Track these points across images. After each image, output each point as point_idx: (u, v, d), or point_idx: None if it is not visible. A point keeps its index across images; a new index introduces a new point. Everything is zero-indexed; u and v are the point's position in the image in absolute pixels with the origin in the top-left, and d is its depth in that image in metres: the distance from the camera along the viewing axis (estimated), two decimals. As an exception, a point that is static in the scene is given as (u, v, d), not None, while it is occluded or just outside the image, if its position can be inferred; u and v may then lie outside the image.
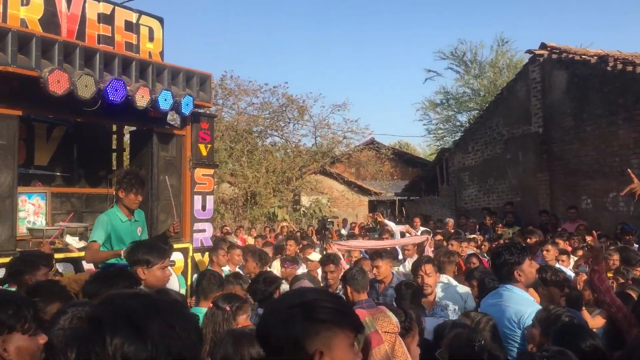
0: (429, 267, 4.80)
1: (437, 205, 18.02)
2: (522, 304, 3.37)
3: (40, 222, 6.62)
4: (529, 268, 3.51)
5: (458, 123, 27.39)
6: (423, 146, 42.20)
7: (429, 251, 7.04)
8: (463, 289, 5.25)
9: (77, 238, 6.20)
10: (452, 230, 11.33)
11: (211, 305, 3.49)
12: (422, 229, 10.55)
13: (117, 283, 2.98)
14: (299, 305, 1.36)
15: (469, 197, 16.15)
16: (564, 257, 6.80)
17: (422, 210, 17.72)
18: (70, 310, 2.20)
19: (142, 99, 5.91)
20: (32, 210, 6.63)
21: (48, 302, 2.73)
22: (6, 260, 4.94)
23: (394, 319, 2.32)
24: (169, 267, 4.05)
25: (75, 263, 5.77)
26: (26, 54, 5.20)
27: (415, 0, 68.80)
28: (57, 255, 5.72)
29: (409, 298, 4.49)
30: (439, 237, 9.67)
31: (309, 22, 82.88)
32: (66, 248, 5.92)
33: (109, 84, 5.55)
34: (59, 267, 5.65)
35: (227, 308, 3.39)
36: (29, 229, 6.24)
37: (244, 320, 3.50)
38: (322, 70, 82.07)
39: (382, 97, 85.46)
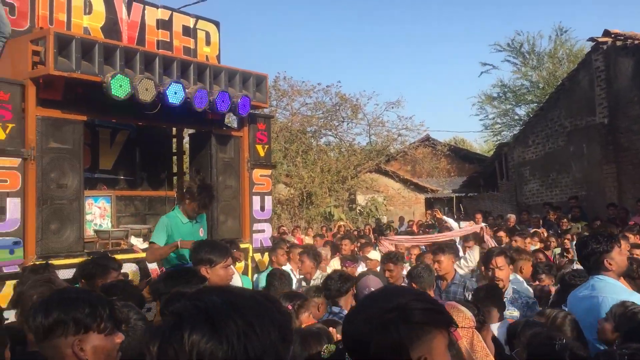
0: (500, 260, 4.55)
1: (496, 201, 17.57)
2: (620, 293, 3.10)
3: (106, 224, 6.82)
4: (619, 256, 3.28)
5: (516, 117, 26.68)
6: (479, 141, 41.33)
7: (489, 240, 6.83)
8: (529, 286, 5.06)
9: (141, 239, 6.34)
10: (514, 226, 11.00)
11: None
12: (482, 224, 10.28)
13: (188, 281, 2.99)
14: (394, 309, 1.27)
15: (530, 192, 15.67)
16: (638, 251, 6.46)
17: (481, 207, 17.29)
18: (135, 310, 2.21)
19: (200, 101, 5.98)
20: (99, 213, 6.83)
21: (122, 301, 2.76)
22: (75, 260, 5.12)
23: (469, 313, 2.22)
24: (232, 266, 4.07)
25: (140, 264, 5.89)
26: (89, 60, 5.35)
27: (468, -6, 67.47)
28: (122, 256, 5.87)
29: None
30: (501, 233, 9.41)
31: (360, 20, 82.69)
32: (131, 249, 6.06)
33: (168, 87, 5.64)
34: (125, 268, 5.79)
35: (290, 307, 3.36)
36: (96, 231, 6.43)
37: (307, 318, 3.46)
38: (375, 68, 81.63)
39: (436, 93, 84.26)
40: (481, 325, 2.81)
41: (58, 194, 5.45)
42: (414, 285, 4.65)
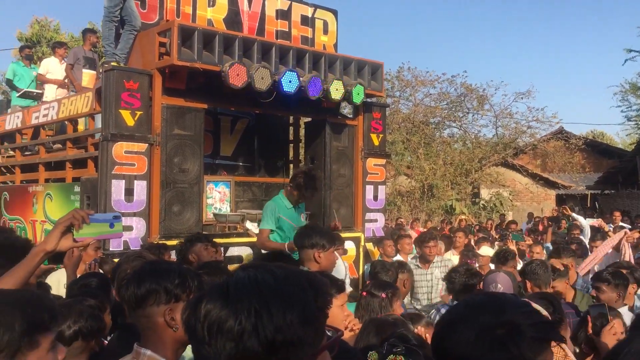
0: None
1: (636, 199, 16.16)
2: None
3: (225, 208, 7.12)
4: None
5: (664, 108, 24.25)
6: (621, 135, 38.17)
7: (626, 247, 6.25)
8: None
9: (256, 224, 6.54)
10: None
11: (364, 294, 3.43)
12: (620, 224, 9.47)
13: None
14: (506, 324, 1.15)
15: (678, 190, 14.20)
16: None
17: (618, 205, 15.97)
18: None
19: (314, 89, 6.03)
20: (218, 197, 7.15)
21: (213, 276, 2.87)
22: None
23: (543, 311, 2.09)
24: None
25: (254, 247, 6.09)
26: (210, 50, 5.59)
27: (614, -25, 62.24)
28: (237, 240, 6.12)
29: None
30: (637, 234, 8.60)
31: (488, 6, 79.36)
32: (246, 233, 6.28)
33: (282, 76, 5.75)
34: (239, 251, 6.03)
35: (383, 295, 3.30)
36: (214, 214, 6.74)
37: (399, 307, 3.41)
38: (504, 57, 78.14)
39: (572, 83, 79.08)
40: (559, 323, 2.61)
41: (180, 178, 5.78)
42: (528, 282, 4.36)
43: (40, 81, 8.96)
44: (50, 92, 8.67)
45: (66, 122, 7.07)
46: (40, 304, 1.56)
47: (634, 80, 25.08)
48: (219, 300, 1.02)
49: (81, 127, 7.31)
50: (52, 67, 8.88)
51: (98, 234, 2.09)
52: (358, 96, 6.47)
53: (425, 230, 13.82)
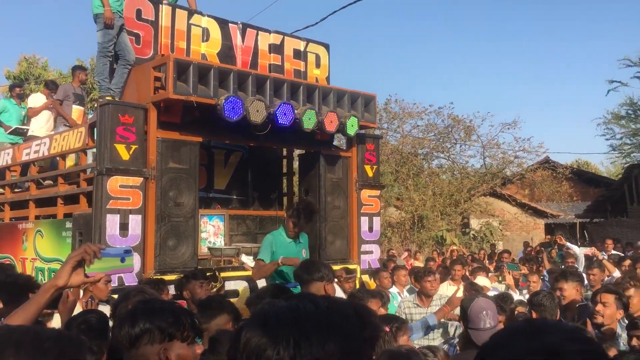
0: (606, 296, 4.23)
1: (626, 227, 16.26)
2: None
3: (220, 242, 7.05)
4: None
5: (648, 136, 24.65)
6: (606, 164, 38.70)
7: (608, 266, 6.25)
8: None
9: (251, 257, 6.47)
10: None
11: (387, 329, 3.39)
12: (613, 252, 9.49)
13: (279, 297, 3.00)
14: (544, 351, 1.01)
15: (666, 218, 14.31)
16: None
17: (608, 233, 16.05)
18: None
19: (308, 122, 6.05)
20: (213, 231, 7.09)
21: (217, 314, 2.81)
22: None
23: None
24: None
25: (251, 281, 6.01)
26: (205, 84, 5.60)
27: (595, 7, 63.97)
28: (233, 274, 6.04)
29: None
30: (627, 261, 8.63)
31: (474, 38, 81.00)
32: (242, 267, 6.21)
33: (277, 108, 5.76)
34: (235, 285, 5.94)
35: (387, 329, 3.25)
36: (209, 248, 6.66)
37: (405, 342, 3.34)
38: (490, 88, 79.40)
39: (557, 113, 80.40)
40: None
41: (175, 212, 5.72)
42: (534, 314, 4.34)
43: (31, 114, 8.86)
44: (36, 126, 8.60)
45: (57, 158, 7.01)
46: (79, 343, 1.51)
47: (616, 110, 25.56)
48: (259, 329, 1.00)
49: (70, 162, 7.25)
50: (39, 102, 8.83)
51: (109, 268, 2.05)
52: (352, 128, 6.49)
53: (416, 261, 13.77)
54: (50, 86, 9.17)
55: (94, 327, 3.01)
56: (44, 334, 1.49)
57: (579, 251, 9.04)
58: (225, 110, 5.46)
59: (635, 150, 25.11)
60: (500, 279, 8.24)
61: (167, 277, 5.17)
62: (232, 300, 5.70)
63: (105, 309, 4.34)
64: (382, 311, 4.37)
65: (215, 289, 4.95)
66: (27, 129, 8.81)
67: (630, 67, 24.17)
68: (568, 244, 9.78)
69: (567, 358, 1.00)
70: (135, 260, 5.44)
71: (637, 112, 24.72)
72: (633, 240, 13.53)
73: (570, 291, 4.96)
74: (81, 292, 4.58)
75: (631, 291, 4.66)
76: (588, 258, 8.60)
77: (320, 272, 3.64)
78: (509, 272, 7.88)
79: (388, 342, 3.24)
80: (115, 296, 4.81)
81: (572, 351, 1.01)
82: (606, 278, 7.30)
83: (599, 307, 4.18)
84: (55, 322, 3.74)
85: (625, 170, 19.67)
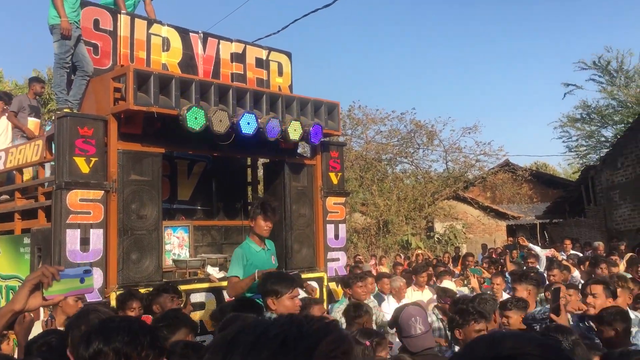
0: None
1: (584, 227, 16.68)
2: None
3: (184, 254, 6.94)
4: None
5: (603, 138, 25.45)
6: (563, 165, 39.73)
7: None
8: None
9: (217, 268, 6.40)
10: (603, 254, 10.33)
11: (367, 343, 3.37)
12: (572, 252, 9.73)
13: (243, 312, 2.98)
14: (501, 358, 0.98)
15: (621, 217, 14.76)
16: None
17: (566, 234, 16.45)
18: None
19: (272, 131, 6.03)
20: (177, 242, 6.98)
21: (174, 329, 2.77)
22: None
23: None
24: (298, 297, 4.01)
25: (217, 293, 5.94)
26: (167, 94, 5.52)
27: (550, 10, 65.75)
28: (199, 286, 5.95)
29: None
30: (587, 262, 8.85)
31: (433, 45, 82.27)
32: (208, 278, 6.13)
33: (241, 118, 5.73)
34: (201, 297, 5.85)
35: (367, 343, 3.24)
36: (174, 260, 6.56)
37: (385, 356, 3.33)
38: (451, 94, 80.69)
39: (515, 117, 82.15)
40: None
41: (138, 225, 5.61)
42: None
43: None
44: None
45: (14, 172, 6.81)
46: None
47: (572, 113, 26.27)
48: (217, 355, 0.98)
49: (27, 176, 7.05)
50: None
51: (68, 289, 1.98)
52: (316, 136, 6.50)
53: (381, 266, 13.85)
54: (3, 97, 8.90)
55: (55, 349, 2.92)
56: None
57: (541, 252, 9.24)
58: (188, 121, 5.40)
59: (591, 152, 25.87)
60: (465, 282, 8.36)
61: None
62: (197, 312, 5.65)
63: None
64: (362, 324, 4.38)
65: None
66: None
67: (585, 70, 24.92)
68: (530, 244, 9.99)
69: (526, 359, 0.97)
70: (98, 275, 5.31)
71: (592, 115, 25.46)
72: (591, 240, 13.89)
73: (521, 293, 5.06)
74: (41, 311, 4.44)
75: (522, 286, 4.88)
76: (548, 259, 8.79)
77: (265, 287, 3.62)
78: (473, 276, 7.99)
79: (367, 356, 3.22)
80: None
81: (531, 353, 0.97)
82: (570, 278, 7.48)
83: (590, 298, 4.27)
84: (12, 343, 3.62)
85: (582, 172, 20.22)
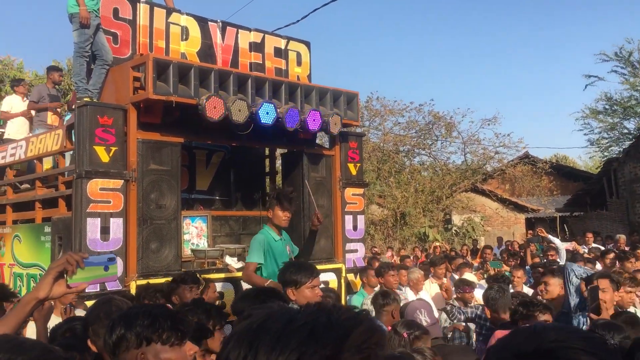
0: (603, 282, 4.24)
1: (606, 220, 16.43)
2: None
3: (203, 243, 6.95)
4: None
5: (625, 130, 25.05)
6: (584, 158, 39.23)
7: None
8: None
9: (235, 259, 6.40)
10: (625, 248, 10.17)
11: (389, 328, 3.34)
12: (593, 245, 9.57)
13: (265, 301, 2.95)
14: (537, 355, 0.95)
15: (645, 210, 14.51)
16: None
17: (587, 227, 16.23)
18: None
19: (291, 120, 5.99)
20: (196, 232, 6.99)
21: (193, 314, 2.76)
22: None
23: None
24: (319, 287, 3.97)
25: (235, 283, 5.94)
26: (186, 84, 5.50)
27: (571, 2, 64.78)
28: (217, 276, 5.95)
29: None
30: (611, 255, 8.70)
31: (454, 35, 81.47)
32: (226, 268, 6.13)
33: (260, 107, 5.69)
34: (220, 287, 5.85)
35: (405, 335, 3.20)
36: (192, 250, 6.57)
37: None
38: (470, 85, 79.96)
39: (536, 108, 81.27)
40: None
41: (157, 214, 5.62)
42: (487, 310, 4.36)
43: (4, 118, 8.70)
44: (12, 130, 8.43)
45: (35, 161, 6.86)
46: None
47: (593, 105, 25.88)
48: (237, 343, 0.94)
49: (47, 165, 7.10)
50: (15, 104, 8.65)
51: (92, 277, 1.98)
52: (335, 126, 6.44)
53: (398, 258, 13.77)
54: (16, 84, 9.01)
55: (79, 335, 2.92)
56: (26, 343, 1.48)
57: (561, 245, 9.12)
58: (207, 110, 5.37)
59: (612, 144, 25.47)
60: (484, 275, 8.26)
61: (152, 281, 5.07)
62: (217, 302, 5.65)
63: (83, 314, 4.24)
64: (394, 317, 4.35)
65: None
66: (2, 132, 8.62)
67: (606, 62, 24.51)
68: (549, 236, 9.85)
69: (569, 353, 0.95)
70: (118, 264, 5.33)
71: (614, 107, 25.05)
72: (612, 233, 13.69)
73: (554, 287, 4.98)
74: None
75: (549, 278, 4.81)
76: (569, 252, 8.67)
77: (283, 277, 3.59)
78: (493, 269, 7.90)
79: (404, 347, 3.19)
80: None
81: (574, 347, 0.96)
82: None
83: (600, 294, 4.19)
84: (30, 330, 3.63)
85: (603, 164, 19.91)
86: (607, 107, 25.24)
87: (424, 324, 3.78)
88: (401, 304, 6.46)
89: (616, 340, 2.73)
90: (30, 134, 7.83)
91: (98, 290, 5.16)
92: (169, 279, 5.04)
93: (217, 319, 3.19)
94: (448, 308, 5.86)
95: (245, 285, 5.59)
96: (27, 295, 1.94)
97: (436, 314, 5.52)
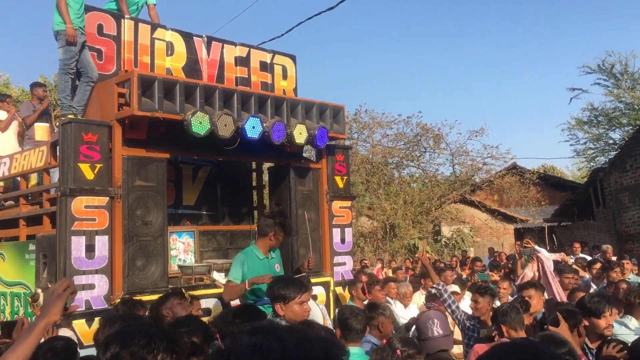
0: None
1: (593, 230, 16.53)
2: None
3: (190, 259, 6.91)
4: None
5: (611, 141, 25.27)
6: (571, 168, 39.53)
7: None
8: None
9: (223, 274, 6.35)
10: (613, 258, 10.21)
11: (385, 341, 3.32)
12: (581, 255, 9.61)
13: (250, 318, 2.94)
14: None
15: (631, 219, 14.62)
16: None
17: (575, 236, 16.32)
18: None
19: (277, 134, 5.99)
20: (182, 248, 6.95)
21: (189, 335, 2.72)
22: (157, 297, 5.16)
23: None
24: (309, 301, 3.95)
25: (223, 299, 5.89)
26: (171, 99, 5.49)
27: (553, 17, 65.61)
28: (205, 292, 5.90)
29: None
30: (598, 265, 8.74)
31: (440, 48, 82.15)
32: (213, 284, 6.08)
33: (246, 122, 5.69)
34: (207, 303, 5.81)
35: (398, 352, 3.16)
36: (179, 266, 6.52)
37: None
38: (458, 97, 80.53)
39: (522, 120, 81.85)
40: None
41: (143, 231, 5.57)
42: (502, 326, 4.34)
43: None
44: (0, 146, 8.34)
45: (19, 178, 6.80)
46: None
47: (578, 115, 26.14)
48: None
49: (32, 182, 7.04)
50: (2, 117, 8.57)
51: None
52: (321, 139, 6.45)
53: (389, 270, 13.75)
54: (1, 99, 8.94)
55: (60, 354, 2.89)
56: None
57: (548, 255, 9.12)
58: (193, 126, 5.36)
59: (599, 155, 25.69)
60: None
61: (142, 298, 5.02)
62: (204, 319, 5.60)
63: (67, 333, 4.19)
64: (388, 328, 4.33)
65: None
66: None
67: (589, 74, 24.79)
68: (536, 246, 9.86)
69: None
70: (103, 282, 5.29)
71: (599, 118, 25.30)
72: (599, 243, 13.77)
73: (537, 300, 5.01)
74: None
75: (531, 292, 4.88)
76: (557, 263, 8.68)
77: (272, 292, 3.56)
78: (479, 281, 7.90)
79: None
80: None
81: None
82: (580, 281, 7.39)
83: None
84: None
85: (590, 174, 20.07)
86: (592, 118, 25.50)
87: (435, 334, 3.76)
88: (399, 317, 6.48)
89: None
90: (19, 150, 7.76)
91: (84, 309, 5.11)
92: (155, 296, 4.99)
93: (208, 339, 3.17)
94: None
95: (235, 302, 5.57)
96: (40, 321, 2.00)
97: None
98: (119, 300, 5.24)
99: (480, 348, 3.56)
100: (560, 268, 7.62)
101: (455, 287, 7.45)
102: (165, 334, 2.02)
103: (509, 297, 6.67)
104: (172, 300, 4.13)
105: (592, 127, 25.78)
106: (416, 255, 15.81)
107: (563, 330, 3.34)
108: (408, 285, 7.41)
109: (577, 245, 10.97)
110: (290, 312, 3.49)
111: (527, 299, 4.99)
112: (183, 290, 4.93)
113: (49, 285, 4.95)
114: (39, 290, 4.48)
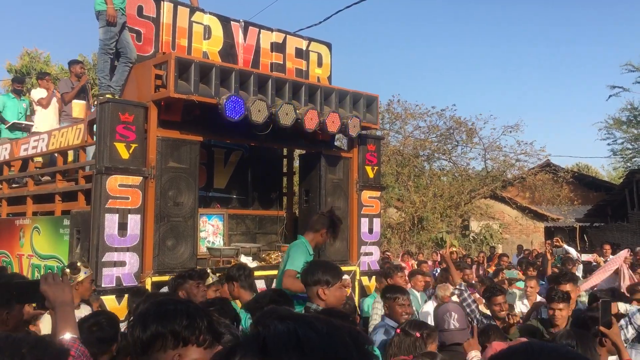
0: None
1: (626, 232, 16.19)
2: None
3: (219, 242, 6.99)
4: None
5: (650, 142, 24.60)
6: (607, 168, 38.67)
7: (626, 272, 6.21)
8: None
9: (250, 258, 6.42)
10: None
11: (398, 331, 3.32)
12: (610, 257, 9.43)
13: (276, 301, 2.96)
14: None
15: (667, 223, 14.24)
16: None
17: (608, 238, 16.00)
18: None
19: (310, 122, 6.00)
20: (212, 230, 7.03)
21: (223, 315, 2.77)
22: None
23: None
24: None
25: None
26: (207, 83, 5.54)
27: (598, 12, 63.97)
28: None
29: None
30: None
31: (478, 41, 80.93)
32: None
33: (279, 108, 5.71)
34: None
35: (417, 334, 3.17)
36: (208, 248, 6.60)
37: (434, 349, 3.27)
38: (493, 91, 79.30)
39: (558, 117, 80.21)
40: None
41: (175, 212, 5.67)
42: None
43: (39, 105, 8.74)
44: (41, 123, 8.53)
45: (56, 154, 6.96)
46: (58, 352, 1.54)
47: (617, 115, 25.52)
48: (256, 355, 0.89)
49: (69, 158, 7.19)
50: (42, 97, 8.76)
51: None
52: (354, 129, 6.44)
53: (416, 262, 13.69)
54: (41, 77, 9.16)
55: (105, 329, 2.97)
56: (23, 340, 1.48)
57: (575, 254, 8.97)
58: (227, 110, 5.41)
59: (636, 155, 25.08)
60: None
61: (164, 278, 5.12)
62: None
63: (87, 309, 4.29)
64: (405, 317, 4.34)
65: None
66: (31, 125, 8.73)
67: (632, 72, 24.15)
68: (565, 246, 9.71)
69: None
70: (134, 260, 5.40)
71: (638, 118, 24.66)
72: (633, 246, 13.47)
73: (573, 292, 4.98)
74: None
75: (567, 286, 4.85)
76: (588, 264, 8.54)
77: (314, 276, 3.54)
78: (506, 284, 7.74)
79: (419, 347, 3.17)
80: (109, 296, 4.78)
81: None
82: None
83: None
84: (46, 321, 3.68)
85: (626, 175, 19.60)
86: (631, 117, 24.87)
87: (451, 327, 3.78)
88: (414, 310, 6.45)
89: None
90: (57, 127, 7.93)
91: (114, 285, 5.23)
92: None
93: (237, 323, 3.20)
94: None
95: (260, 285, 5.61)
96: (65, 306, 2.09)
97: None
98: (148, 278, 5.35)
99: (499, 345, 3.53)
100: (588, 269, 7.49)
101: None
102: (207, 314, 1.90)
103: (538, 296, 6.56)
104: (190, 282, 4.15)
105: (631, 127, 25.15)
106: (440, 251, 15.72)
107: (615, 333, 3.26)
108: (447, 288, 7.35)
109: (607, 247, 10.73)
110: (332, 295, 3.48)
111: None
112: (209, 271, 4.97)
113: (83, 260, 5.07)
114: (79, 264, 4.60)
